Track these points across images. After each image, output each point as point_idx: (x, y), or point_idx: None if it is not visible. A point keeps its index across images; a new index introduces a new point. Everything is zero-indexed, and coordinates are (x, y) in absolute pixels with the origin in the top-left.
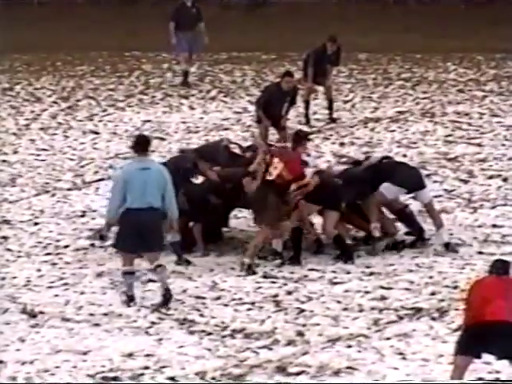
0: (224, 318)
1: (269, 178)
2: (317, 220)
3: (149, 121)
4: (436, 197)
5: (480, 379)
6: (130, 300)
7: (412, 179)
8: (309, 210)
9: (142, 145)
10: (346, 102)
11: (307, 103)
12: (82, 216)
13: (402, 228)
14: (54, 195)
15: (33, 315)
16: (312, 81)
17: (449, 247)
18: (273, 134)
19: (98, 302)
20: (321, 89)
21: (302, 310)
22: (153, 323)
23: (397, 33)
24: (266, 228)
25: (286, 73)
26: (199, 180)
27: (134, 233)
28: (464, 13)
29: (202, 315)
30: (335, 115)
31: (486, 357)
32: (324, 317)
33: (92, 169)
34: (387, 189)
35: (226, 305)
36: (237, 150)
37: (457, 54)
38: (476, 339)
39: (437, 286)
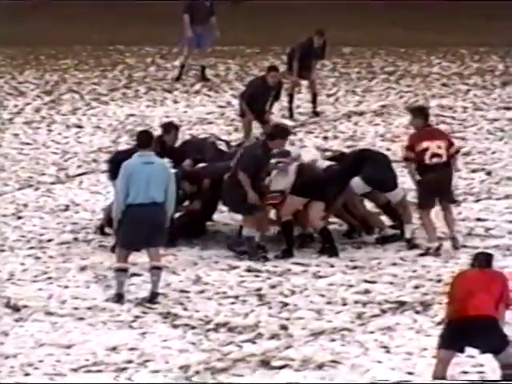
0: (207, 311)
1: None
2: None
3: (133, 115)
4: None
5: (464, 373)
6: (119, 298)
7: (382, 179)
8: (296, 203)
9: (144, 140)
10: (329, 95)
11: (291, 97)
12: (66, 210)
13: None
14: (37, 189)
15: (16, 309)
16: (297, 75)
17: (410, 243)
18: (256, 128)
19: (81, 296)
20: (305, 83)
21: (286, 304)
22: (136, 317)
23: (381, 27)
24: (248, 218)
25: (271, 67)
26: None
27: (137, 229)
28: (448, 7)
29: (185, 309)
30: (319, 109)
31: (470, 350)
32: (307, 310)
33: (75, 163)
34: (356, 183)
35: (209, 298)
36: (223, 147)
37: (440, 47)
38: (459, 333)
39: (420, 279)
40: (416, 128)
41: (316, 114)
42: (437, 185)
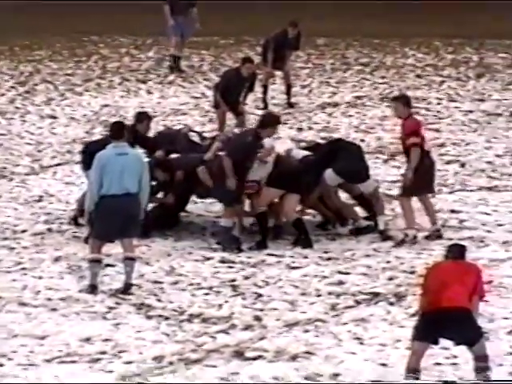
0: (181, 302)
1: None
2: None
3: (107, 105)
4: (393, 182)
5: (437, 364)
6: (92, 289)
7: (353, 170)
8: (272, 194)
9: (118, 131)
10: (303, 86)
11: (265, 88)
12: (40, 201)
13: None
14: (11, 180)
15: None
16: (271, 66)
17: (383, 235)
18: (230, 120)
19: (55, 287)
20: (279, 74)
21: (260, 295)
22: (110, 308)
23: (355, 18)
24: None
25: (245, 59)
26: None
27: (112, 220)
28: None
29: (159, 300)
30: (293, 100)
31: (444, 342)
32: (281, 301)
33: (50, 153)
34: (329, 175)
35: (183, 289)
36: (196, 139)
37: (415, 39)
38: (433, 325)
39: (394, 270)
40: (400, 117)
41: (290, 105)
42: (432, 172)
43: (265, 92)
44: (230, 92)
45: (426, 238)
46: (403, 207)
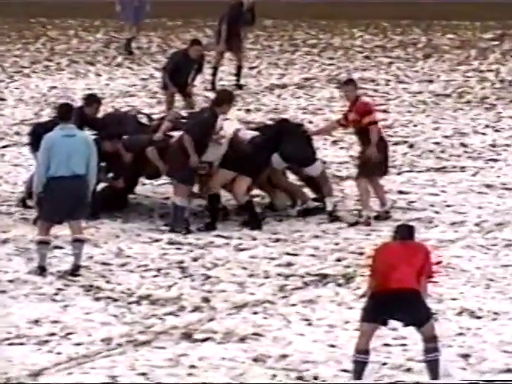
0: (130, 284)
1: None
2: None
3: (55, 87)
4: (342, 163)
5: (386, 345)
6: (41, 270)
7: (299, 155)
8: (224, 176)
9: (65, 112)
10: (252, 68)
11: (215, 70)
12: None
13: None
14: None
15: None
16: (224, 42)
17: (331, 216)
18: (179, 101)
19: (3, 269)
20: (228, 55)
21: (208, 277)
22: (59, 290)
23: None
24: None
25: (194, 41)
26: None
27: (60, 202)
28: None
29: (107, 282)
30: (242, 82)
31: (392, 323)
32: (230, 283)
33: None
34: (275, 159)
35: (131, 271)
36: (144, 120)
37: (363, 20)
38: (382, 306)
39: (342, 252)
40: (349, 99)
41: (239, 86)
42: (387, 154)
43: (214, 74)
44: (179, 74)
45: (376, 218)
46: (360, 188)
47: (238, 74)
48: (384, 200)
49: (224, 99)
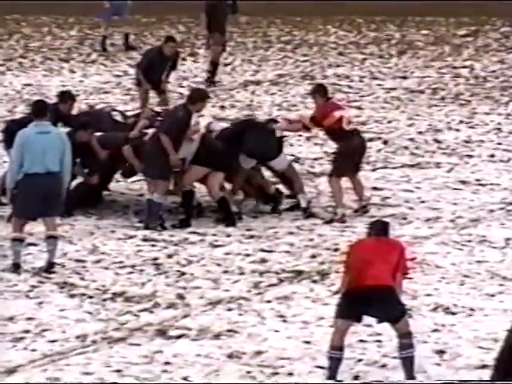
0: (104, 281)
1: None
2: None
3: (29, 84)
4: (316, 159)
5: (361, 341)
6: (16, 267)
7: (260, 149)
8: (196, 172)
9: (39, 109)
10: (226, 65)
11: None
12: None
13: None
14: None
15: None
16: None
17: (306, 212)
18: (153, 98)
19: None
20: (202, 52)
21: (183, 273)
22: (33, 287)
23: None
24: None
25: (168, 37)
26: None
27: (34, 199)
28: None
29: (82, 279)
30: (216, 78)
31: (367, 319)
32: (204, 280)
33: None
34: (242, 158)
35: (106, 268)
36: (119, 118)
37: (337, 16)
38: (357, 303)
39: (317, 248)
40: (318, 103)
41: (213, 83)
42: (362, 152)
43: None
44: (153, 71)
45: (354, 211)
46: (332, 187)
47: (213, 71)
48: (361, 196)
49: (198, 97)
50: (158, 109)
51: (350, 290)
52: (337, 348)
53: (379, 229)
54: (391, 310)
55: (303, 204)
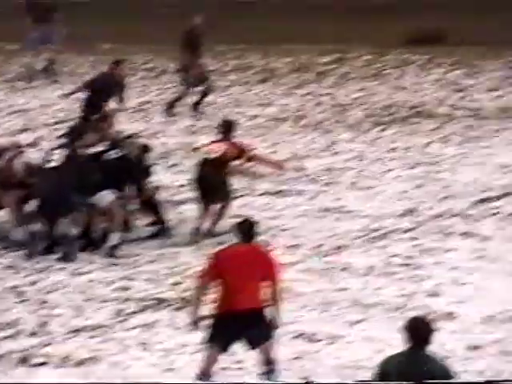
0: None
1: None
2: None
3: None
4: (181, 186)
5: (224, 369)
6: None
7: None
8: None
9: None
10: None
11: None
12: None
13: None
14: None
15: None
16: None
17: (111, 250)
18: None
19: None
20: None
21: (45, 301)
22: None
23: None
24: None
25: (117, 61)
26: None
27: None
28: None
29: None
30: None
31: (232, 348)
32: (67, 307)
33: None
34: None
35: None
36: None
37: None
38: (224, 329)
39: (179, 276)
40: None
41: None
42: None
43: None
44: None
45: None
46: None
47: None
48: (216, 223)
49: None
50: None
51: (219, 315)
52: (203, 375)
53: (245, 232)
54: (255, 334)
55: (113, 241)
